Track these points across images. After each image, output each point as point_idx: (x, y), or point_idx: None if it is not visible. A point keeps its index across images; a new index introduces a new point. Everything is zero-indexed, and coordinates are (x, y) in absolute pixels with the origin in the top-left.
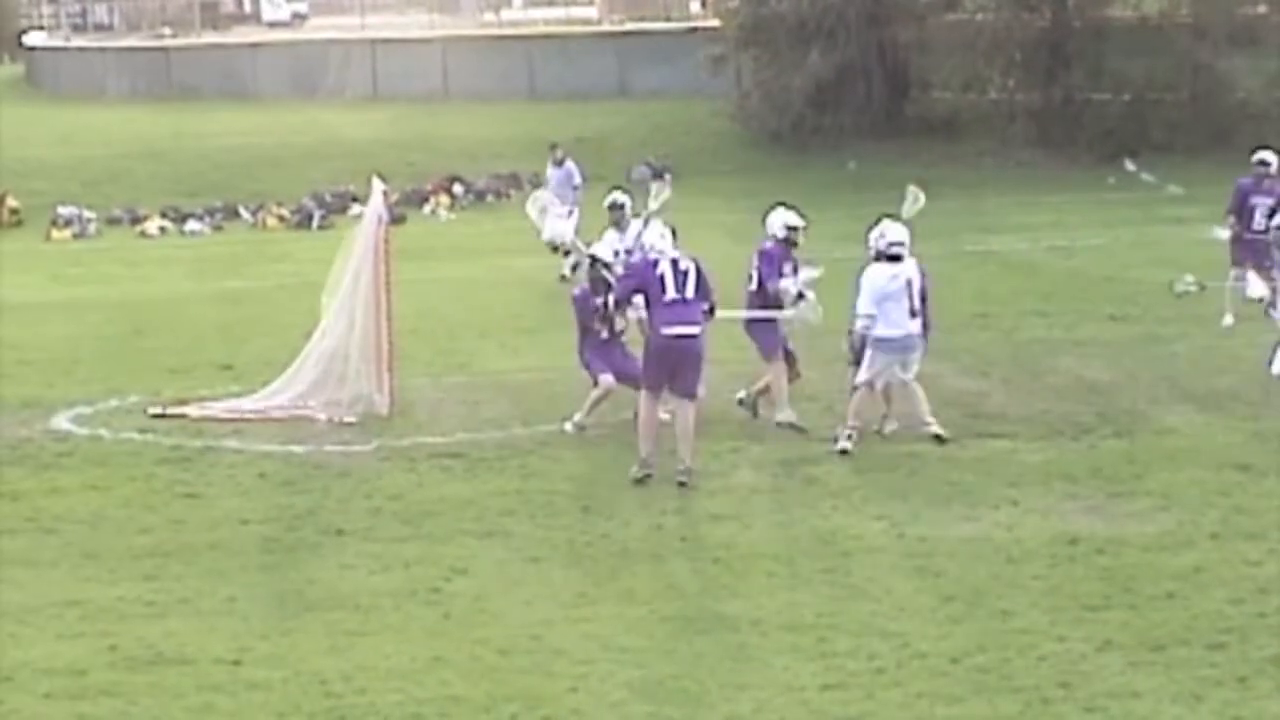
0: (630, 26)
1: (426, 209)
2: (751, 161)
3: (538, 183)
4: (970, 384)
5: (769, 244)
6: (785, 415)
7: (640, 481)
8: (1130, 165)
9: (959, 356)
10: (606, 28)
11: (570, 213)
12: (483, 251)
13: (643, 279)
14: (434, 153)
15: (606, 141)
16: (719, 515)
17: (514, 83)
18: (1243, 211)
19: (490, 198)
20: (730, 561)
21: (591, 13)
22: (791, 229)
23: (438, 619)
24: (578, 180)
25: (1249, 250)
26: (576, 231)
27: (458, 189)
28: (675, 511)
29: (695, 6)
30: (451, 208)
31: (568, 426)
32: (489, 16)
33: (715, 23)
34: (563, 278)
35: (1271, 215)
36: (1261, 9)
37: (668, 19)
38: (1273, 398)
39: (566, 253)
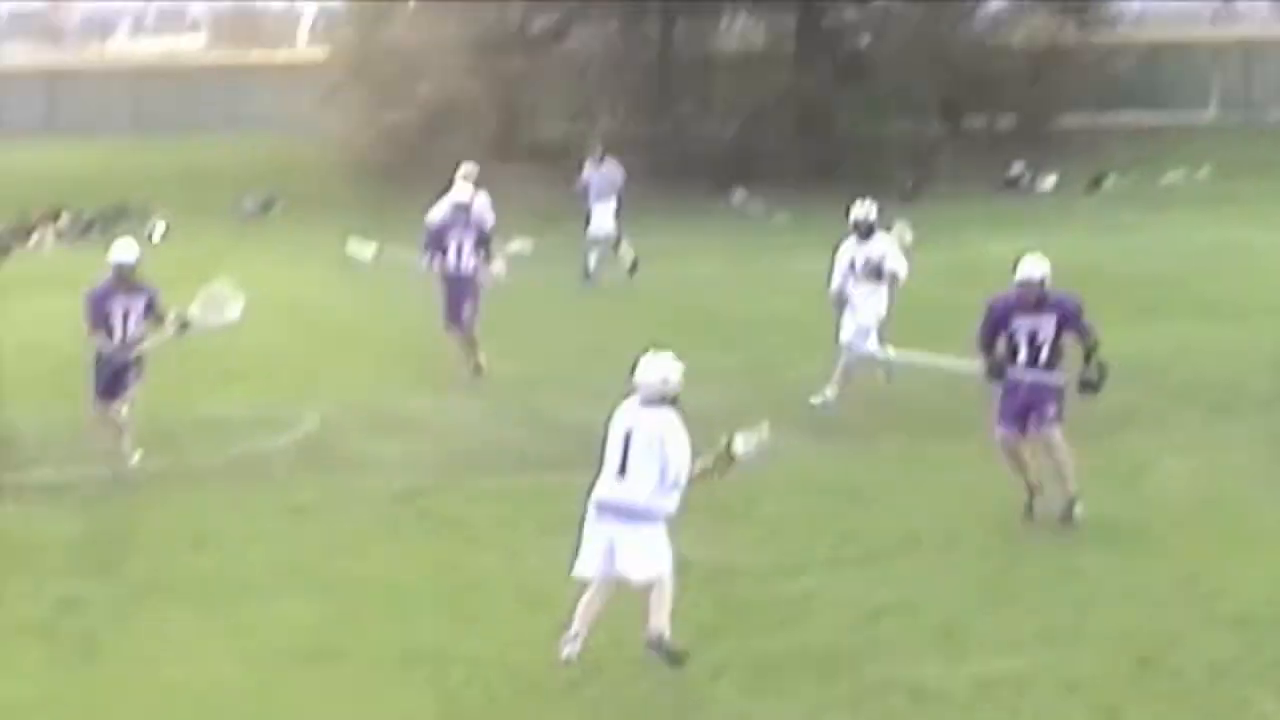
0: (239, 58)
1: (31, 242)
2: (362, 196)
3: (145, 215)
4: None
5: None
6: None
7: None
8: (739, 195)
9: (576, 387)
10: (214, 59)
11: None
12: (89, 283)
13: None
14: (39, 185)
15: (217, 174)
16: (334, 547)
17: (119, 115)
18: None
19: (97, 229)
20: (345, 594)
21: (199, 43)
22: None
23: (48, 655)
24: (618, 178)
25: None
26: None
27: (63, 221)
28: (288, 545)
29: (304, 39)
30: (57, 240)
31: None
32: (94, 47)
33: (325, 55)
34: None
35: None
36: (865, 40)
37: (276, 50)
38: (882, 425)
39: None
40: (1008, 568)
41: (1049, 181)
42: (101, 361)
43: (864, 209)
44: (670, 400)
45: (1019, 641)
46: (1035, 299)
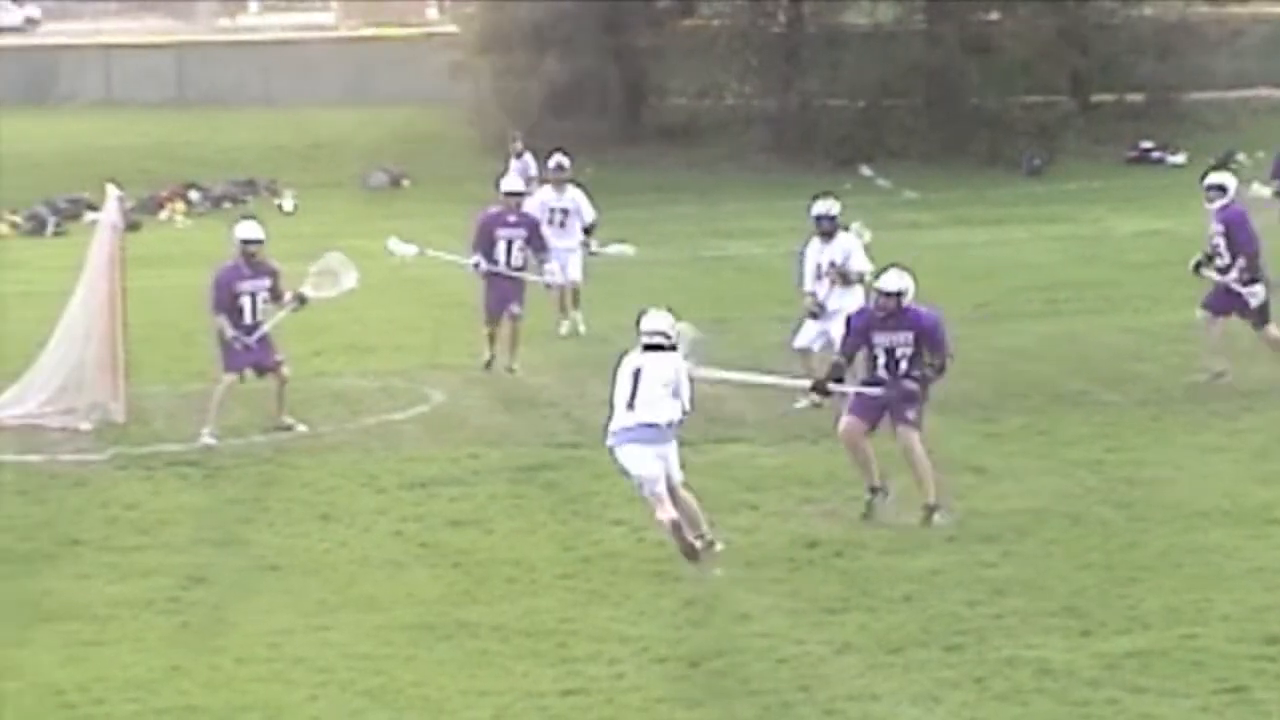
0: (367, 32)
1: (162, 216)
2: (488, 169)
3: (274, 189)
4: (708, 388)
5: None
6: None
7: None
8: (866, 170)
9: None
10: (344, 33)
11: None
12: (219, 258)
13: None
14: (169, 159)
15: (342, 148)
16: (458, 521)
17: (250, 89)
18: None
19: (227, 204)
20: (470, 567)
21: (329, 18)
22: None
23: (175, 628)
24: (533, 172)
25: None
26: None
27: (193, 195)
28: (414, 519)
29: (433, 12)
30: (187, 214)
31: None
32: (224, 22)
33: (453, 29)
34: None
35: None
36: (994, 16)
37: (404, 25)
38: (1006, 400)
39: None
40: (1131, 545)
41: (1178, 158)
42: (228, 341)
43: (826, 205)
44: (671, 347)
45: (1143, 619)
46: (892, 314)
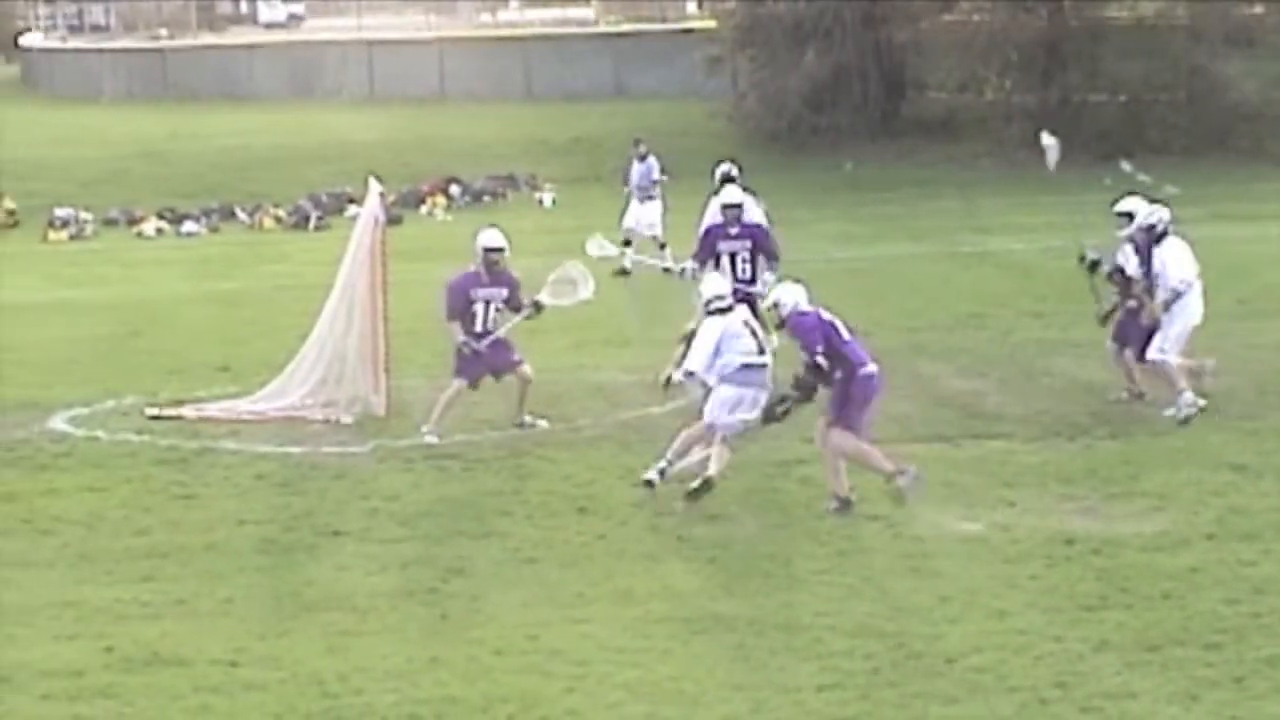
0: (626, 27)
1: (423, 210)
2: (748, 163)
3: (534, 184)
4: (967, 384)
5: None
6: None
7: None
8: (1126, 166)
9: (956, 357)
10: (603, 28)
11: (657, 205)
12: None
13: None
14: (430, 153)
15: (602, 143)
16: (715, 515)
17: (510, 84)
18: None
19: (487, 198)
20: (726, 561)
21: (588, 13)
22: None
23: (434, 620)
24: (656, 175)
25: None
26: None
27: (454, 190)
28: (671, 512)
29: (691, 7)
30: (448, 208)
31: None
32: (485, 17)
33: (711, 23)
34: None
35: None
36: (1258, 10)
37: (664, 20)
38: (1267, 398)
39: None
40: None
41: None
42: (459, 347)
43: (1121, 204)
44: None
45: None
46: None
